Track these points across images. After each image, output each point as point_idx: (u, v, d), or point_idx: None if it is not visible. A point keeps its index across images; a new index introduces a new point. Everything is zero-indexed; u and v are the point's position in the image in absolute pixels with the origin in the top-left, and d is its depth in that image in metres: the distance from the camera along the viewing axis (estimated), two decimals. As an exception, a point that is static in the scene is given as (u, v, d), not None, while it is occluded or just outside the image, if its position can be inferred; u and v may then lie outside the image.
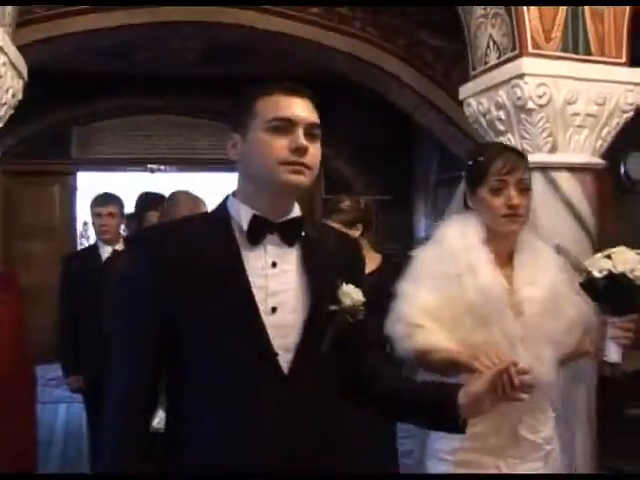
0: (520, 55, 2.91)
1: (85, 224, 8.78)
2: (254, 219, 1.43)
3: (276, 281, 1.44)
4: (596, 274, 1.88)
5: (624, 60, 3.01)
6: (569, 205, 2.92)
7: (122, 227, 4.11)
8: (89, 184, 8.08)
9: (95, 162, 8.25)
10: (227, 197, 1.51)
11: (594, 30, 2.96)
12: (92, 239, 5.65)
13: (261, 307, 1.41)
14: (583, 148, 2.98)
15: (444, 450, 1.92)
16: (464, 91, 3.28)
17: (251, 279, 1.41)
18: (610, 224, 4.66)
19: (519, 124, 2.95)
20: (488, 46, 3.12)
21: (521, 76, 2.87)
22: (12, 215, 7.81)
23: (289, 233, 1.45)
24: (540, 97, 2.86)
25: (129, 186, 6.64)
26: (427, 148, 7.47)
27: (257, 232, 1.43)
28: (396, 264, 2.26)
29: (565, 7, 2.94)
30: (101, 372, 2.78)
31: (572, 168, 2.94)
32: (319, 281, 1.46)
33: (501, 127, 3.04)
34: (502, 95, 2.98)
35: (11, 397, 3.25)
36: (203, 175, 8.39)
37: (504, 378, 1.47)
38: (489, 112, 3.08)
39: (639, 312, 1.92)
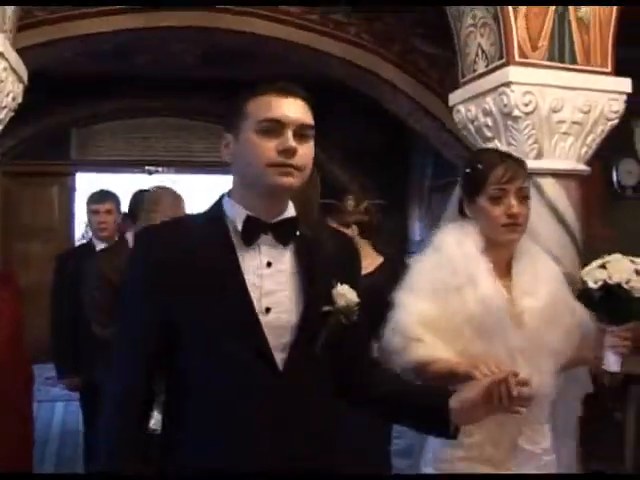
0: (507, 64, 2.95)
1: (87, 225, 8.75)
2: (248, 220, 1.43)
3: (271, 281, 1.43)
4: (591, 285, 1.86)
5: (609, 69, 3.05)
6: (554, 210, 2.96)
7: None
8: (88, 185, 8.06)
9: (94, 163, 8.28)
10: (222, 196, 1.51)
11: (580, 40, 3.00)
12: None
13: (255, 307, 1.41)
14: (568, 155, 3.01)
15: (440, 458, 1.89)
16: (453, 98, 3.32)
17: (246, 277, 1.41)
18: (602, 229, 4.73)
19: (506, 131, 2.99)
20: (477, 54, 3.16)
21: (508, 84, 2.91)
22: (11, 216, 7.83)
23: (283, 233, 1.45)
24: (526, 105, 2.90)
25: (127, 187, 6.66)
26: (422, 154, 7.48)
27: (251, 232, 1.43)
28: (396, 265, 2.27)
29: (552, 17, 2.97)
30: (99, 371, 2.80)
31: (557, 174, 2.98)
32: (314, 281, 1.45)
33: (488, 134, 3.08)
34: (489, 102, 3.01)
35: (7, 395, 3.29)
36: (199, 177, 8.44)
37: (502, 388, 1.45)
38: (477, 119, 3.11)
39: (636, 321, 1.91)
